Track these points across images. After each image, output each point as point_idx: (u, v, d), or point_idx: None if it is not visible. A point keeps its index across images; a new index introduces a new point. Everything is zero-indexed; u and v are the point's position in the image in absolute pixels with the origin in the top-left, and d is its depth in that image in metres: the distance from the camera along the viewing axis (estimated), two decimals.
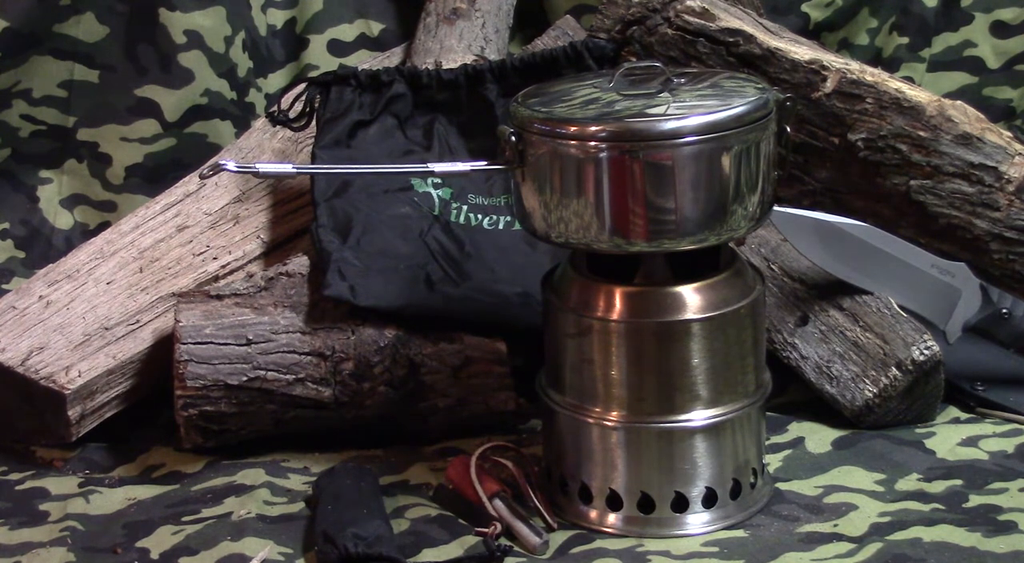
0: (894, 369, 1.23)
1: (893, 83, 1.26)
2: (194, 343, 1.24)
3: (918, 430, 1.24)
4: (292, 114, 1.39)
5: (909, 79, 1.62)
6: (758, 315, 1.12)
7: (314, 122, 1.38)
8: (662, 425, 1.10)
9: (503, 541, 1.11)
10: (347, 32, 1.73)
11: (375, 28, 1.73)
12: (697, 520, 1.12)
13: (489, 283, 1.29)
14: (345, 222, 1.32)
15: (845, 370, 1.26)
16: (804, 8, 1.70)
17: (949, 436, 1.23)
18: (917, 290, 1.27)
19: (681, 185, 1.05)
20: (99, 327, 1.33)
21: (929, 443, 1.22)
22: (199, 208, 1.43)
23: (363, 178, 1.35)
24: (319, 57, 1.72)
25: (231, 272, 1.40)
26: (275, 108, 1.38)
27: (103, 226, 1.62)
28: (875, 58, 1.70)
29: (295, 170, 1.20)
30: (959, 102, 1.26)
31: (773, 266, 1.33)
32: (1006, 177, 1.23)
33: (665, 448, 1.10)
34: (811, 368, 1.27)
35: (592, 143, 1.05)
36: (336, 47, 1.72)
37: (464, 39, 1.56)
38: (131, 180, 1.67)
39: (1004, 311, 1.29)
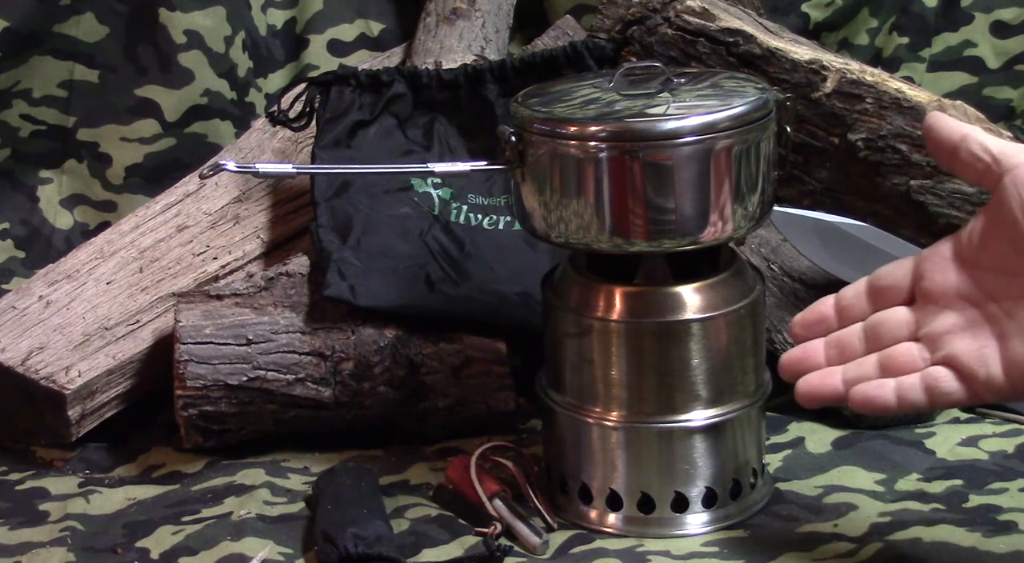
0: None
1: (893, 83, 1.26)
2: (194, 343, 1.24)
3: (918, 430, 1.24)
4: (292, 114, 1.38)
5: (909, 79, 1.62)
6: (758, 315, 1.12)
7: (314, 122, 1.38)
8: (662, 425, 1.10)
9: (503, 541, 1.11)
10: (347, 32, 1.73)
11: (375, 28, 1.73)
12: (697, 520, 1.12)
13: (489, 283, 1.29)
14: (345, 222, 1.32)
15: None
16: (804, 8, 1.70)
17: (949, 436, 1.23)
18: None
19: (681, 185, 1.05)
20: (99, 327, 1.33)
21: (929, 443, 1.22)
22: (199, 208, 1.43)
23: (363, 178, 1.35)
24: (319, 57, 1.72)
25: (231, 272, 1.40)
26: (275, 108, 1.38)
27: (103, 226, 1.62)
28: (875, 58, 1.70)
29: (295, 170, 1.20)
30: (959, 102, 1.26)
31: (773, 266, 1.33)
32: None
33: (665, 448, 1.10)
34: None
35: (592, 143, 1.05)
36: (336, 47, 1.72)
37: (464, 39, 1.56)
38: (131, 180, 1.67)
39: None
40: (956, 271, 0.94)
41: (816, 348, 0.98)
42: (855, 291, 0.98)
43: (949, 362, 0.93)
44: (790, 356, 0.98)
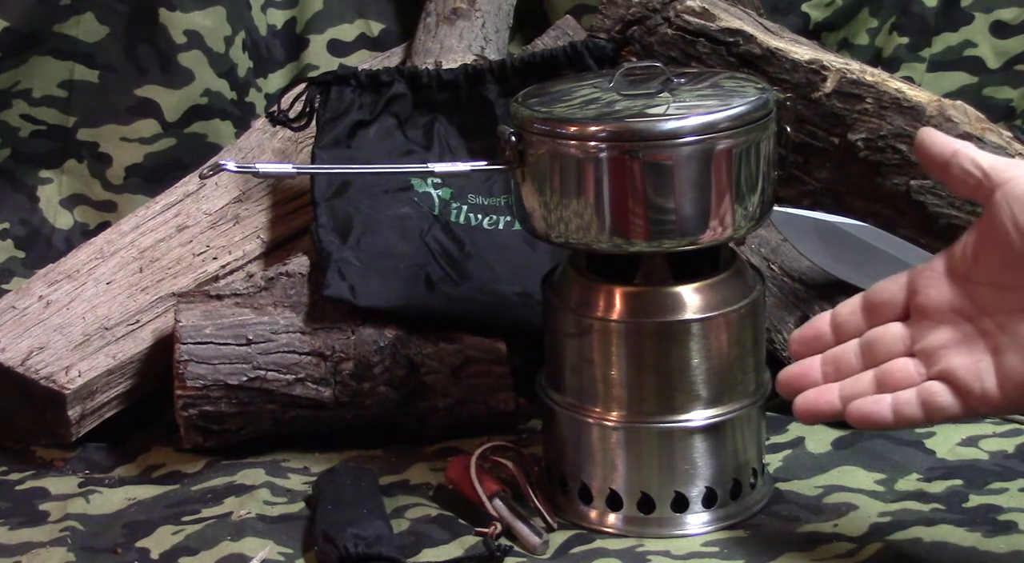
0: None
1: (893, 83, 1.26)
2: (194, 343, 1.24)
3: (918, 430, 1.24)
4: (292, 114, 1.39)
5: (909, 79, 1.62)
6: (758, 315, 1.12)
7: (314, 122, 1.38)
8: (662, 425, 1.10)
9: (503, 541, 1.11)
10: (347, 32, 1.73)
11: (375, 28, 1.73)
12: (697, 520, 1.12)
13: (489, 283, 1.29)
14: (345, 222, 1.32)
15: None
16: (804, 8, 1.70)
17: (949, 436, 1.23)
18: None
19: (681, 185, 1.05)
20: (99, 327, 1.33)
21: (929, 443, 1.22)
22: (199, 208, 1.43)
23: (363, 178, 1.35)
24: (319, 57, 1.72)
25: (231, 272, 1.40)
26: (275, 108, 1.38)
27: (103, 226, 1.62)
28: (875, 58, 1.70)
29: (295, 170, 1.20)
30: (959, 102, 1.26)
31: (773, 266, 1.33)
32: None
33: (665, 448, 1.10)
34: None
35: (592, 143, 1.05)
36: (336, 47, 1.72)
37: (464, 39, 1.56)
38: (131, 180, 1.67)
39: None
40: (950, 286, 0.95)
41: (813, 365, 0.98)
42: (850, 307, 0.99)
43: (945, 377, 0.94)
44: (787, 373, 0.99)
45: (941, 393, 0.94)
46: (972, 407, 0.93)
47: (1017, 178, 0.91)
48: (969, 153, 0.93)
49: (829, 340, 0.99)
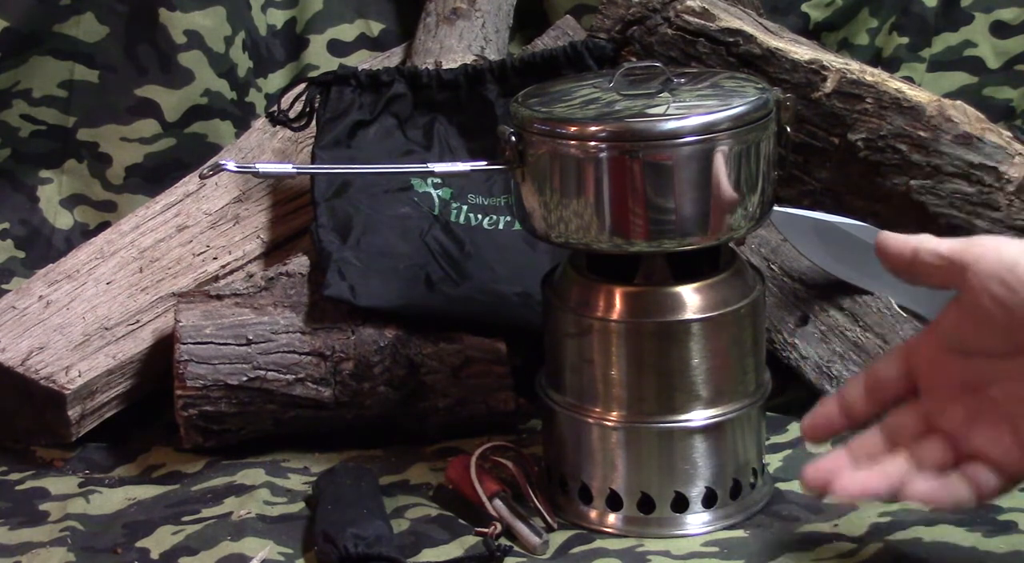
0: None
1: (893, 83, 1.26)
2: (194, 343, 1.24)
3: None
4: (292, 114, 1.39)
5: (909, 79, 1.62)
6: (758, 315, 1.12)
7: (314, 122, 1.38)
8: (662, 425, 1.10)
9: (503, 541, 1.11)
10: (347, 32, 1.73)
11: (375, 28, 1.73)
12: (697, 520, 1.12)
13: (489, 283, 1.29)
14: (345, 222, 1.32)
15: (845, 370, 1.26)
16: (804, 8, 1.70)
17: None
18: (917, 290, 1.27)
19: (681, 185, 1.05)
20: (99, 327, 1.33)
21: None
22: (199, 208, 1.43)
23: (363, 178, 1.35)
24: (319, 57, 1.72)
25: (231, 272, 1.40)
26: (275, 108, 1.38)
27: (103, 226, 1.62)
28: (875, 58, 1.69)
29: (295, 170, 1.20)
30: (959, 102, 1.26)
31: (773, 266, 1.33)
32: (1006, 177, 1.23)
33: (665, 448, 1.10)
34: (811, 368, 1.28)
35: (592, 143, 1.05)
36: (336, 47, 1.72)
37: (464, 39, 1.56)
38: (131, 180, 1.67)
39: None
40: (948, 362, 0.95)
41: (840, 456, 0.98)
42: (856, 389, 0.99)
43: (978, 456, 0.94)
44: (818, 469, 0.97)
45: (983, 473, 0.94)
46: (1013, 478, 0.94)
47: (982, 256, 0.91)
48: (928, 246, 0.94)
49: (839, 423, 0.99)
